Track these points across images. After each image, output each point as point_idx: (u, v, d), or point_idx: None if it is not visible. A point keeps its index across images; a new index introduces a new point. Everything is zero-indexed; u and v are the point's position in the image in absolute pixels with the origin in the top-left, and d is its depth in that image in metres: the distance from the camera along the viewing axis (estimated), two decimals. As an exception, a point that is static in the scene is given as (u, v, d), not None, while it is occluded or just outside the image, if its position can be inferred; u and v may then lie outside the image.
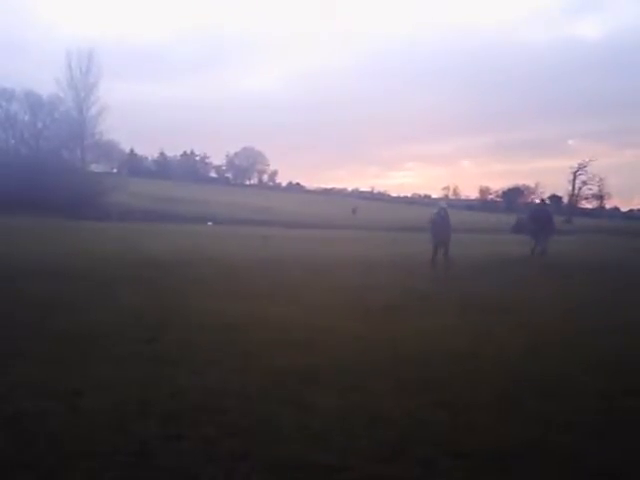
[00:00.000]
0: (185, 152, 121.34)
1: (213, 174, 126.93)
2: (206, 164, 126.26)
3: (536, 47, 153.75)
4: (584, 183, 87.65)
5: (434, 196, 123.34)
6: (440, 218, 17.33)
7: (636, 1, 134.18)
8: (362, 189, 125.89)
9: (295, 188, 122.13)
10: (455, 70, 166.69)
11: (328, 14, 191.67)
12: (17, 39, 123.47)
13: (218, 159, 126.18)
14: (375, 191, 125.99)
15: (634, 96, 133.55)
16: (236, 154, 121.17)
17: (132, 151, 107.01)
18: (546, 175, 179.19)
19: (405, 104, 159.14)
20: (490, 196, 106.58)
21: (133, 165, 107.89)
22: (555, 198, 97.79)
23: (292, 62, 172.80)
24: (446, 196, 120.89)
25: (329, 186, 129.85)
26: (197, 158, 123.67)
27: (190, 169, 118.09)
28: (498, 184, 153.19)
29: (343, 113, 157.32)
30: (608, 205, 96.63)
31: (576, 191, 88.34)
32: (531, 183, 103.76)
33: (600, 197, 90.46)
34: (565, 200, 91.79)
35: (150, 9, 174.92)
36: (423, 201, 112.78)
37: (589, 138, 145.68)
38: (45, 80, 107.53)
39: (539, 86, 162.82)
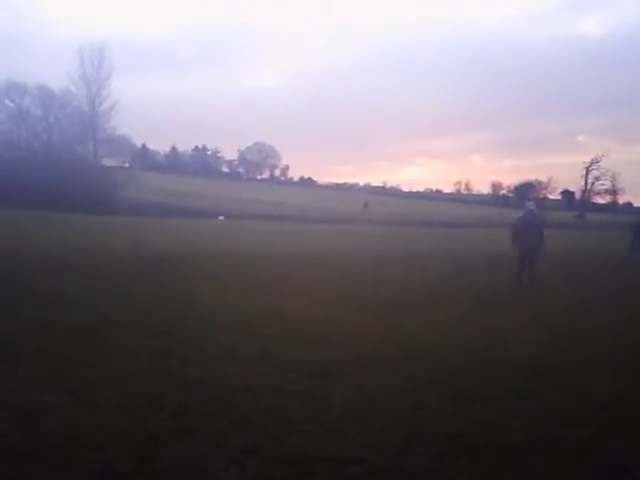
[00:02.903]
0: (197, 147, 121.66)
1: (225, 169, 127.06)
2: (218, 159, 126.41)
3: (540, 44, 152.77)
4: (597, 178, 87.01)
5: (446, 191, 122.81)
6: (524, 223, 13.29)
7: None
8: (374, 184, 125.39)
9: (307, 183, 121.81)
10: (461, 66, 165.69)
11: (336, 10, 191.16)
12: (23, 35, 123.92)
13: (230, 154, 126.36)
14: (387, 186, 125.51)
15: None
16: (248, 149, 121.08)
17: (144, 146, 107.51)
18: (556, 171, 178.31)
19: (412, 100, 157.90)
20: (502, 191, 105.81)
21: (145, 160, 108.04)
22: (567, 194, 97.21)
23: (301, 58, 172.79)
24: (458, 191, 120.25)
25: (341, 181, 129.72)
26: (209, 153, 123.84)
27: (202, 164, 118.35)
28: (508, 179, 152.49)
29: (352, 108, 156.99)
30: (621, 200, 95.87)
31: (589, 186, 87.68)
32: (543, 178, 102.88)
33: (613, 192, 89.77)
34: (577, 196, 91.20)
35: (159, 5, 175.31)
36: (435, 196, 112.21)
37: (599, 134, 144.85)
38: (51, 75, 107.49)
39: (544, 82, 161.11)
